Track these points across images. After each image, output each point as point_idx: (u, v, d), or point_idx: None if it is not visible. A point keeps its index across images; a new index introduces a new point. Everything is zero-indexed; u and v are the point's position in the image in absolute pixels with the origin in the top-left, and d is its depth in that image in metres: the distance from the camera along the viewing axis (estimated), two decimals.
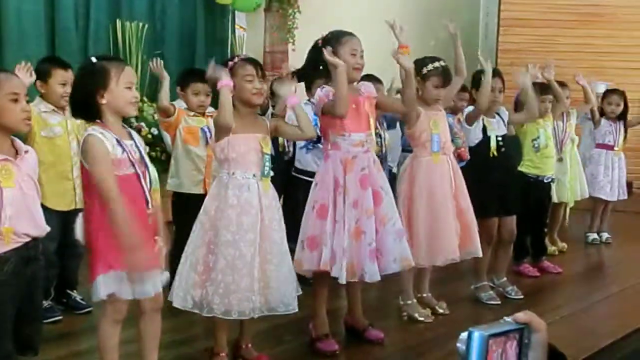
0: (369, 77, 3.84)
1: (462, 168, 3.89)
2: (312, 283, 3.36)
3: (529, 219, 4.49)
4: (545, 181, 4.67)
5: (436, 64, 3.72)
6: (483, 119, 4.07)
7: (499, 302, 4.09)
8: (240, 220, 2.91)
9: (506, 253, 4.32)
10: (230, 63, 3.00)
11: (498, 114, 4.20)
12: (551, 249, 5.15)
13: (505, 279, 4.30)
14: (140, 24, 6.28)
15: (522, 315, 1.08)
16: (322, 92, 3.20)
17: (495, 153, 4.06)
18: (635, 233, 6.01)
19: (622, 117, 5.62)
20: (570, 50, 8.04)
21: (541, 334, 1.09)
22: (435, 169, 3.68)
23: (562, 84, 5.02)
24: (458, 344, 1.03)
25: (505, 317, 1.08)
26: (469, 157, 4.86)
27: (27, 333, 2.52)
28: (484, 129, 4.06)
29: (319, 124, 3.37)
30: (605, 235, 5.74)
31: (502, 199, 4.10)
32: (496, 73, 4.13)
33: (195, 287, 2.91)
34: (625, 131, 5.64)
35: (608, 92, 5.69)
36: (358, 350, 3.41)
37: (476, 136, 4.10)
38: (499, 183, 4.06)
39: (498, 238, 4.19)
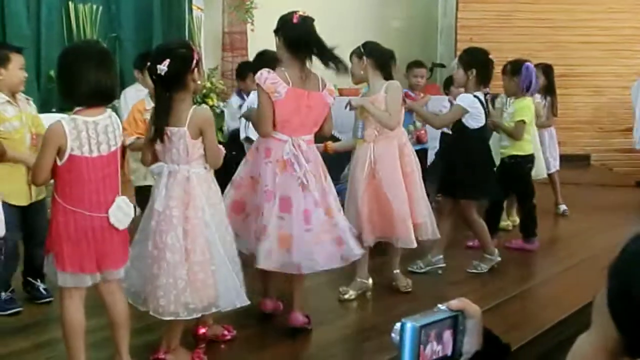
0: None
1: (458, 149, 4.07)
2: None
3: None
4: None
5: None
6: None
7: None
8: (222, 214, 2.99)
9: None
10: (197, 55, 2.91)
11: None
12: (504, 224, 5.18)
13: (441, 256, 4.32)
14: (94, 7, 6.12)
15: (456, 303, 1.09)
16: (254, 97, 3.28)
17: None
18: (592, 205, 6.13)
19: (548, 92, 5.63)
20: (528, 25, 8.12)
21: (475, 320, 1.11)
22: (358, 153, 3.83)
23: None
24: (392, 334, 1.04)
25: (439, 305, 1.09)
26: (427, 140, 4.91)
27: None
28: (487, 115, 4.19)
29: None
30: (562, 207, 5.84)
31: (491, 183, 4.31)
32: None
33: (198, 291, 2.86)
34: (552, 106, 5.67)
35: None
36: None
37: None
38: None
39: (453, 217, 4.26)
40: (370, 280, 3.90)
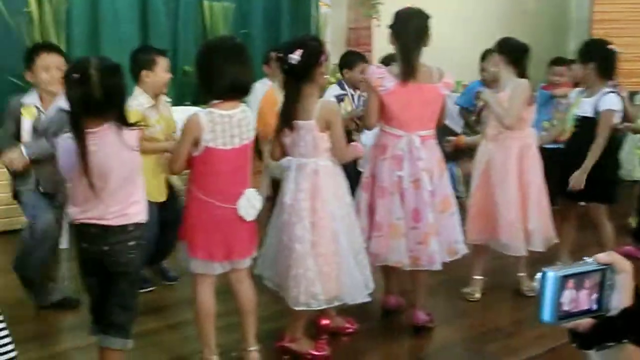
0: None
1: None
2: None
3: None
4: None
5: None
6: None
7: None
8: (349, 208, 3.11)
9: None
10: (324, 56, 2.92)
11: None
12: None
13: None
14: (227, 5, 6.37)
15: (604, 256, 1.01)
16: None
17: None
18: None
19: None
20: None
21: (626, 275, 1.02)
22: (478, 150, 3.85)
23: None
24: (534, 283, 1.01)
25: (586, 258, 1.02)
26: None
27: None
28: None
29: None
30: None
31: None
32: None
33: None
34: None
35: None
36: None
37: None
38: None
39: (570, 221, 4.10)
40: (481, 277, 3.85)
